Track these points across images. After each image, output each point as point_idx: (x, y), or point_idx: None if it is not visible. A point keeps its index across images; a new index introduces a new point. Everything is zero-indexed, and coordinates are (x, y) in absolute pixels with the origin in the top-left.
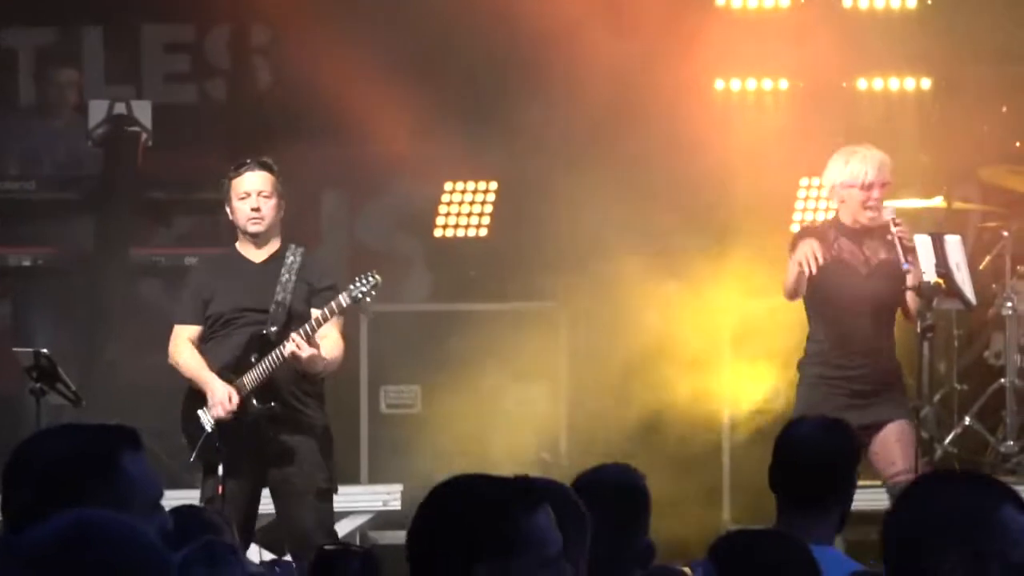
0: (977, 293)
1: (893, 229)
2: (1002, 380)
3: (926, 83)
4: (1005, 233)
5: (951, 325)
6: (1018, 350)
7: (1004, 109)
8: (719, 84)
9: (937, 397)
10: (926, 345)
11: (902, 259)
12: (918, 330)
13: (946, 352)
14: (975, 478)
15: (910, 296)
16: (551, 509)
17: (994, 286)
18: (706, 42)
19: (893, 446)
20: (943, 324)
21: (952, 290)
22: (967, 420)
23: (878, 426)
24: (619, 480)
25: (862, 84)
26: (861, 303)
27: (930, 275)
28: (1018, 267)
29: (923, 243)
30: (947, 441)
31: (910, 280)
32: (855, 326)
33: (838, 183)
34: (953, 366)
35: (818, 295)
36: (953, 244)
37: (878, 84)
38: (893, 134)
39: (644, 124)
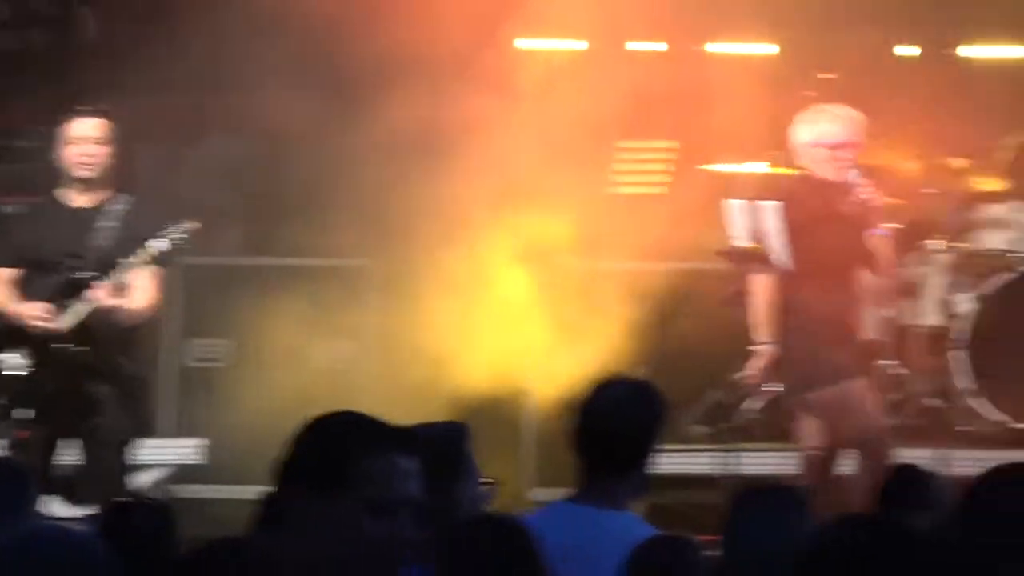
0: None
1: (860, 192)
2: None
3: (760, 48)
4: None
5: (765, 290)
6: None
7: (831, 75)
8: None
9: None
10: (736, 310)
11: (874, 222)
12: (728, 295)
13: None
14: None
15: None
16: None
17: None
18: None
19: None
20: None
21: (765, 256)
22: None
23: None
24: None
25: (696, 47)
26: (840, 257)
27: (743, 240)
28: None
29: (740, 208)
30: (752, 406)
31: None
32: (838, 282)
33: (807, 142)
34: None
35: (815, 255)
36: (768, 209)
37: (712, 47)
38: (720, 97)
39: (450, 84)
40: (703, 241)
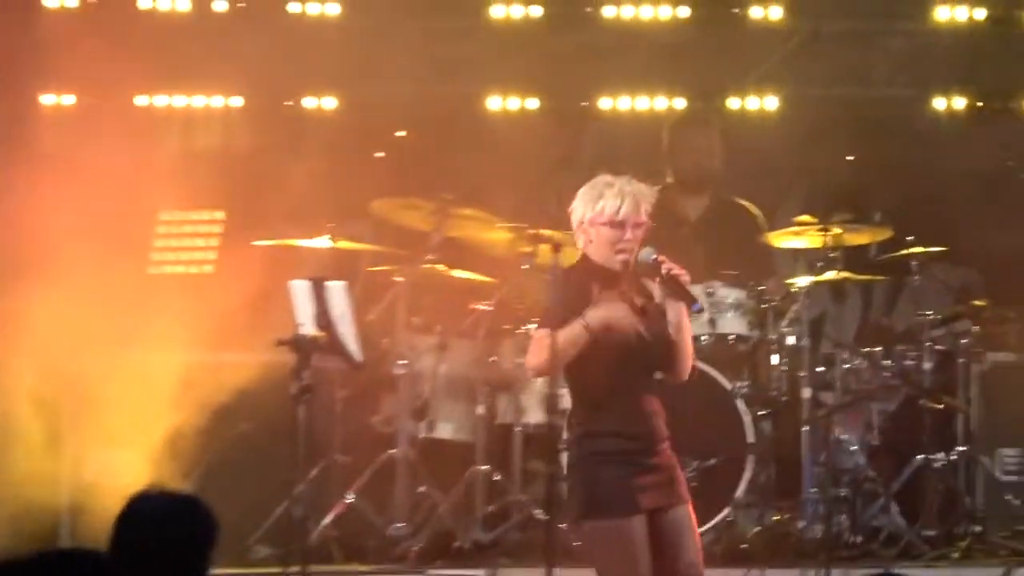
0: (366, 348)
1: (662, 270)
2: (392, 451)
3: (330, 102)
4: (398, 279)
5: (333, 386)
6: (411, 415)
7: (403, 133)
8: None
9: (315, 471)
10: (302, 409)
11: (686, 301)
12: (292, 392)
13: (327, 417)
14: None
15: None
16: None
17: (385, 340)
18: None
19: (688, 533)
20: (323, 384)
21: (334, 345)
22: (350, 497)
23: (669, 508)
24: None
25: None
26: (633, 359)
27: (308, 327)
28: (413, 318)
29: (301, 290)
30: (326, 522)
31: (684, 327)
32: (627, 387)
33: (587, 219)
34: (335, 434)
35: (586, 359)
36: (337, 291)
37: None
38: (278, 158)
39: None
40: (263, 328)
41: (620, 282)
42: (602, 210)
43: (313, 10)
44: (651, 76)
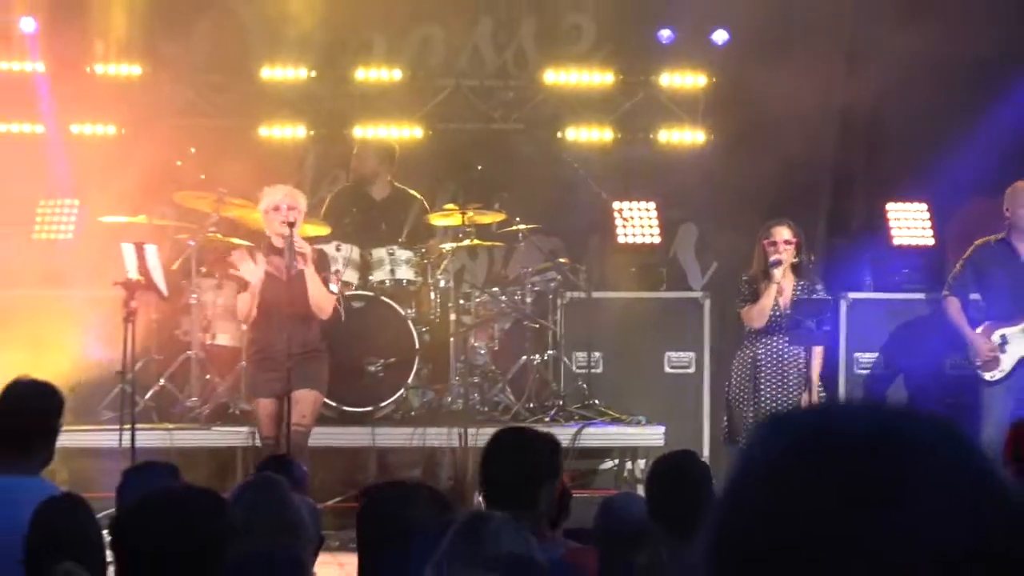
0: (170, 287)
1: (287, 239)
2: (188, 352)
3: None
4: (191, 243)
5: (150, 310)
6: (200, 329)
7: (193, 150)
8: None
9: (139, 364)
10: (129, 325)
11: (291, 262)
12: (123, 315)
13: (146, 330)
14: None
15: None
16: None
17: (183, 282)
18: None
19: (298, 405)
20: (144, 310)
21: (151, 285)
22: (162, 381)
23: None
24: None
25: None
26: (284, 304)
27: (133, 273)
28: (201, 268)
29: (128, 250)
30: (147, 397)
31: (311, 278)
32: (281, 323)
33: (263, 209)
34: (152, 341)
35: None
36: (151, 251)
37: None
38: (88, 172)
39: None
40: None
41: (280, 252)
42: (269, 201)
43: None
44: None
